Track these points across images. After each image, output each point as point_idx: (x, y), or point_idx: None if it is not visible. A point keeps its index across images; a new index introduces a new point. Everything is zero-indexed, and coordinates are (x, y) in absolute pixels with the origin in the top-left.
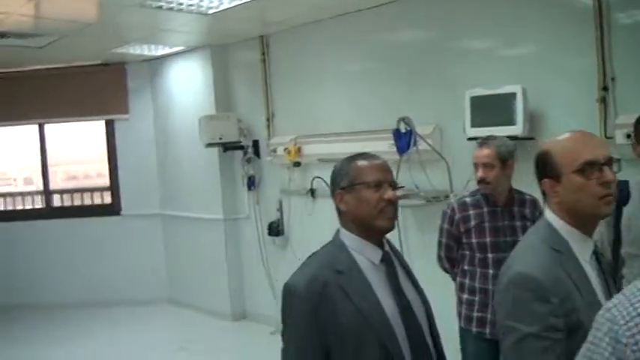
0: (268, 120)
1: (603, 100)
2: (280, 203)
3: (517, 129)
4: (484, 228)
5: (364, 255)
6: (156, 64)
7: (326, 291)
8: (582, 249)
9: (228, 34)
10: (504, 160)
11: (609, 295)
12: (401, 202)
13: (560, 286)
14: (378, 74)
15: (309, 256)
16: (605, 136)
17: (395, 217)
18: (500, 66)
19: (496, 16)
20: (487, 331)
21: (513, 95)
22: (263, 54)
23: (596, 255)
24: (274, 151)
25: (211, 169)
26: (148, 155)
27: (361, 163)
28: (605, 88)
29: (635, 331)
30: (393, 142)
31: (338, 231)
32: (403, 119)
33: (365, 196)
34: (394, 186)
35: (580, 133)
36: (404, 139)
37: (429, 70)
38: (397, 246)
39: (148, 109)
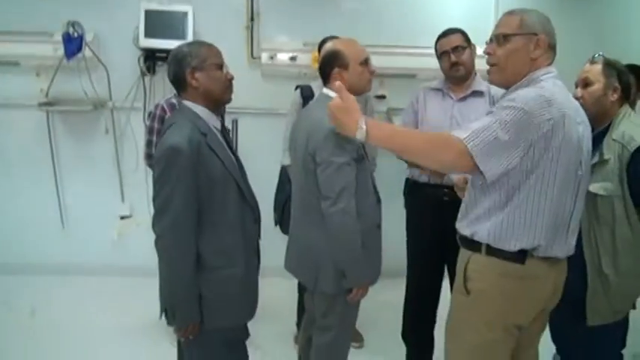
0: None
1: (250, 29)
2: None
3: None
4: None
5: (210, 122)
6: None
7: (200, 149)
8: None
9: None
10: None
11: None
12: (65, 107)
13: None
14: None
15: (168, 125)
16: (252, 57)
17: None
18: None
19: None
20: None
21: (185, 14)
22: None
23: None
24: None
25: None
26: None
27: (207, 47)
28: (252, 19)
29: None
30: (57, 45)
31: (181, 104)
32: (73, 24)
33: (216, 75)
34: None
35: (351, 39)
36: (74, 44)
37: None
38: (49, 150)
39: None
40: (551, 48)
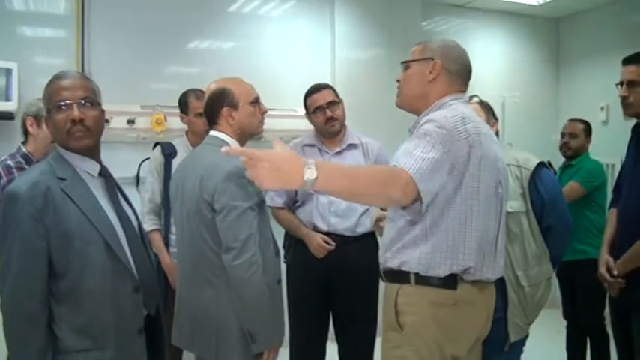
0: None
1: None
2: None
3: (13, 105)
4: None
5: (82, 167)
6: None
7: (49, 195)
8: None
9: None
10: None
11: None
12: None
13: None
14: None
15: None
16: None
17: (87, 135)
18: None
19: None
20: None
21: (9, 71)
22: None
23: None
24: None
25: None
26: None
27: (53, 83)
28: None
29: None
30: None
31: (55, 147)
32: None
33: (54, 120)
34: (86, 102)
35: (237, 77)
36: None
37: None
38: None
39: None
40: (453, 73)
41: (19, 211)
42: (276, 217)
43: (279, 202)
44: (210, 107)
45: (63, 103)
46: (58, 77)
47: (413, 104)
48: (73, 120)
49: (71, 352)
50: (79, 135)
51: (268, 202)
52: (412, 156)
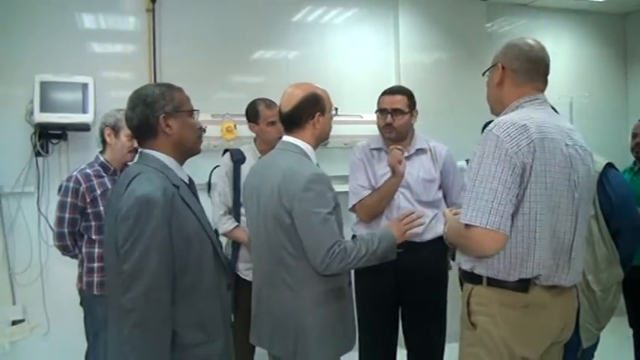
0: None
1: None
2: None
3: (89, 117)
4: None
5: (179, 175)
6: None
7: (175, 201)
8: (314, 158)
9: None
10: None
11: None
12: None
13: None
14: None
15: (132, 175)
16: None
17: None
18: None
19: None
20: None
21: (86, 85)
22: None
23: None
24: None
25: None
26: None
27: (179, 91)
28: None
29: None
30: None
31: (144, 153)
32: None
33: (189, 123)
34: None
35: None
36: None
37: None
38: None
39: None
40: (517, 71)
41: (159, 215)
42: (365, 204)
43: (366, 193)
44: (301, 111)
45: (196, 111)
46: (178, 89)
47: (497, 109)
48: (202, 127)
49: (190, 347)
50: (202, 141)
51: (356, 200)
52: (487, 199)
